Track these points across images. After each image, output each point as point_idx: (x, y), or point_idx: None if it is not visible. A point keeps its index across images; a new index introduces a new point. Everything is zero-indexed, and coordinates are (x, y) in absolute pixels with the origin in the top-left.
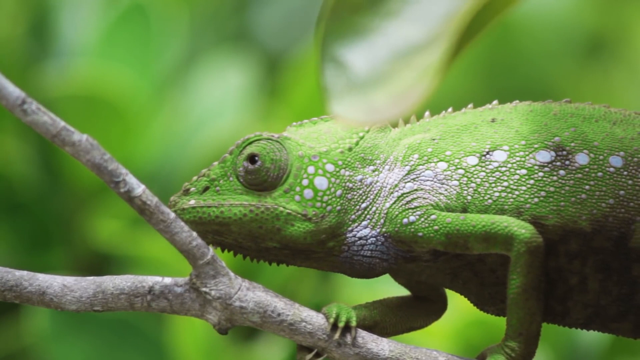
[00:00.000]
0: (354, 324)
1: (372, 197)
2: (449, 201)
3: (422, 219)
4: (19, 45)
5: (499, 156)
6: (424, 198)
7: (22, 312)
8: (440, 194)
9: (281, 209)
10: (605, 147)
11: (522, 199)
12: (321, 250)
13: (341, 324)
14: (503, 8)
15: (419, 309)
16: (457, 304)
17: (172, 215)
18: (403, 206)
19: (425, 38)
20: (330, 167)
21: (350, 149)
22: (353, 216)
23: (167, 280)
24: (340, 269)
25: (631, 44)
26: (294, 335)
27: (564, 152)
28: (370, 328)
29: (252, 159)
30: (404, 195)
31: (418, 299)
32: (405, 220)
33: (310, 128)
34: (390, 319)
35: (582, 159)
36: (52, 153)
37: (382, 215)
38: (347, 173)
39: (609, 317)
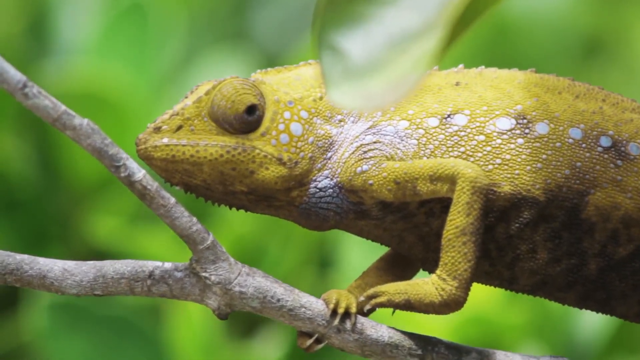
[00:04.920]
0: (353, 310)
1: (335, 147)
2: (405, 157)
3: (374, 168)
4: (18, 43)
5: (460, 120)
6: (380, 150)
7: (20, 309)
8: (398, 149)
9: (258, 151)
10: (566, 119)
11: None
12: (284, 199)
13: (341, 310)
14: None
15: (405, 261)
16: None
17: (173, 200)
18: (359, 156)
19: (421, 25)
20: (304, 114)
21: (321, 98)
22: (319, 165)
23: (167, 265)
24: (295, 219)
25: (628, 45)
26: (294, 321)
27: (525, 121)
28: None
29: None
30: (363, 146)
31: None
32: (359, 169)
33: (278, 75)
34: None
35: (542, 128)
36: (50, 151)
37: (340, 164)
38: (318, 121)
39: (556, 286)
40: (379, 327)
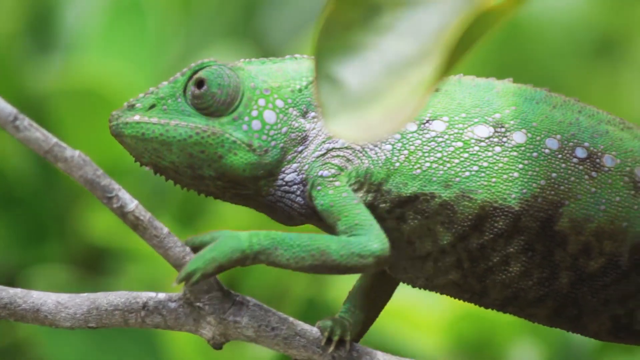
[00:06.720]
0: (348, 337)
1: (307, 142)
2: (372, 167)
3: (330, 179)
4: (17, 41)
5: (438, 126)
6: (348, 160)
7: None
8: (368, 157)
9: (227, 135)
10: (543, 129)
11: (452, 172)
12: (252, 187)
13: (335, 338)
14: (494, 21)
15: (387, 274)
16: (449, 297)
17: (166, 230)
18: (327, 159)
19: (418, 53)
20: (280, 103)
21: (300, 90)
22: (289, 157)
23: (161, 295)
24: (264, 211)
25: (639, 44)
26: (289, 349)
27: (503, 129)
28: (362, 331)
29: (199, 83)
30: (334, 150)
31: None
32: (320, 172)
33: (261, 65)
34: (370, 305)
35: (519, 137)
36: None
37: (309, 162)
38: (294, 113)
39: (526, 300)
40: (374, 354)
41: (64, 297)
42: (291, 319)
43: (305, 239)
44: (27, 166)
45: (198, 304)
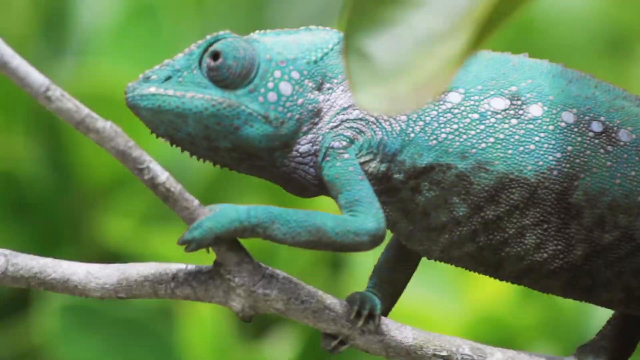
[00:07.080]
0: (377, 311)
1: (322, 114)
2: (387, 137)
3: (340, 150)
4: (30, 43)
5: (454, 97)
6: (360, 132)
7: (32, 311)
8: (382, 128)
9: (243, 107)
10: (559, 102)
11: (469, 143)
12: (267, 159)
13: (365, 312)
14: None
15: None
16: (467, 300)
17: (196, 202)
18: (340, 130)
19: (448, 28)
20: (295, 75)
21: (315, 62)
22: (305, 128)
23: (191, 267)
24: (278, 182)
25: None
26: (318, 323)
27: (519, 102)
28: (390, 305)
29: (215, 55)
30: (347, 121)
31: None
32: (331, 143)
33: (276, 37)
34: (396, 278)
35: (535, 110)
36: (61, 152)
37: (323, 133)
38: (310, 84)
39: (541, 273)
40: (404, 329)
41: (94, 268)
42: (320, 292)
43: (303, 215)
44: (41, 171)
45: (228, 276)
